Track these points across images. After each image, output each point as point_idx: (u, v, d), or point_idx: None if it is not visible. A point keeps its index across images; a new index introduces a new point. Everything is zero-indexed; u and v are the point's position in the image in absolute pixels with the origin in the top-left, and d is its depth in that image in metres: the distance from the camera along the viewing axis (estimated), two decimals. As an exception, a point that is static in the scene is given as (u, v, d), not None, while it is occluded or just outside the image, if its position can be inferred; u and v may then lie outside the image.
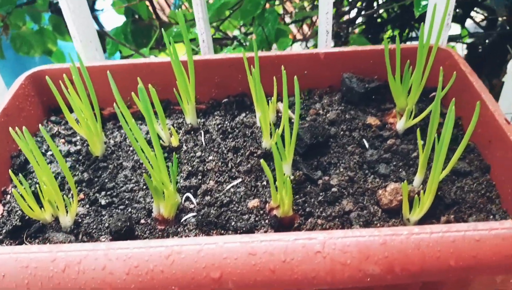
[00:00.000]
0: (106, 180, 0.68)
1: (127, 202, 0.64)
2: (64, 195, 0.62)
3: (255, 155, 0.70)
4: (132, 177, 0.68)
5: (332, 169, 0.67)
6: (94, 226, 0.61)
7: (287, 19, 1.78)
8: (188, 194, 0.64)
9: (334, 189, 0.63)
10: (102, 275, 0.46)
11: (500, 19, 1.45)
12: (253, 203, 0.62)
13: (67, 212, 0.61)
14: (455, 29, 1.67)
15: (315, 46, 1.66)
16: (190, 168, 0.68)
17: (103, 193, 0.66)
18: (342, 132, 0.73)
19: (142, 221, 0.61)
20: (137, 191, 0.66)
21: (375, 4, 1.56)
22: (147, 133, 0.77)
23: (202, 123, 0.78)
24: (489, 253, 0.46)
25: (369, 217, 0.59)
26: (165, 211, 0.60)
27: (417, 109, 0.75)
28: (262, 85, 0.68)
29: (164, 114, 0.74)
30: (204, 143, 0.74)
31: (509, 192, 0.61)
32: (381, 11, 1.59)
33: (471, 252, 0.46)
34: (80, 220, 0.62)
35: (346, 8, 1.59)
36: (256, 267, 0.45)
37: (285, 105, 0.63)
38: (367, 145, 0.71)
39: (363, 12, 1.56)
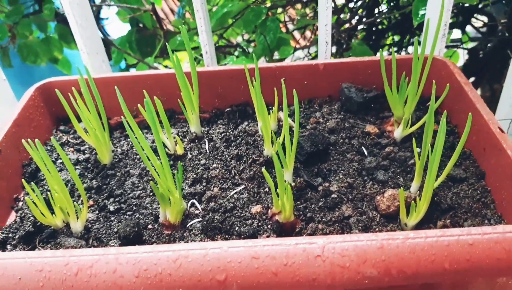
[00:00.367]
0: (114, 187, 0.70)
1: (134, 208, 0.67)
2: (74, 202, 0.65)
3: (257, 162, 0.73)
4: (139, 184, 0.71)
5: (332, 175, 0.69)
6: (104, 231, 0.63)
7: (290, 26, 1.81)
8: (193, 200, 0.67)
9: (334, 195, 0.65)
10: (113, 278, 0.48)
11: (500, 27, 1.47)
12: (256, 209, 0.64)
13: (77, 218, 0.64)
14: (457, 33, 1.69)
15: (318, 53, 1.68)
16: (195, 175, 0.71)
17: (111, 199, 0.68)
18: (341, 140, 0.76)
19: (150, 226, 0.64)
20: (144, 198, 0.68)
21: (376, 10, 1.58)
22: (153, 141, 0.79)
23: (206, 132, 0.81)
24: (482, 256, 0.48)
25: (367, 222, 0.61)
26: (171, 217, 0.63)
27: (414, 117, 0.77)
28: (264, 94, 0.70)
29: (169, 123, 0.77)
30: (208, 151, 0.76)
31: (504, 198, 0.63)
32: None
33: (465, 255, 0.48)
34: (90, 226, 0.64)
35: (347, 16, 1.62)
36: (259, 270, 0.48)
37: (285, 114, 0.66)
38: (366, 152, 0.73)
39: (364, 20, 1.59)
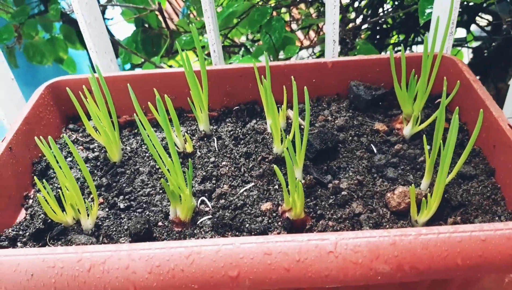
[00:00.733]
0: (124, 185, 0.70)
1: (144, 205, 0.67)
2: (85, 199, 0.65)
3: (266, 160, 0.73)
4: (149, 182, 0.71)
5: (342, 173, 0.69)
6: (114, 229, 0.64)
7: (294, 26, 1.81)
8: (203, 197, 0.67)
9: (344, 193, 0.65)
10: (125, 274, 0.49)
11: (505, 26, 1.47)
12: (266, 206, 0.65)
13: (88, 215, 0.64)
14: (461, 32, 1.69)
15: (322, 52, 1.68)
16: (204, 173, 0.71)
17: (121, 197, 0.69)
18: (350, 138, 0.76)
19: (160, 223, 0.64)
20: (154, 195, 0.68)
21: (380, 10, 1.58)
22: (162, 139, 0.80)
23: (214, 130, 0.81)
24: (494, 253, 0.48)
25: (378, 219, 0.61)
26: (181, 214, 0.63)
27: (423, 115, 0.77)
28: (272, 92, 0.70)
29: (178, 122, 0.77)
30: (217, 149, 0.76)
31: (514, 195, 0.63)
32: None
33: (477, 251, 0.48)
34: (100, 223, 0.65)
35: (352, 15, 1.62)
36: (271, 266, 0.48)
37: (295, 112, 0.66)
38: (375, 150, 0.73)
39: (368, 19, 1.59)
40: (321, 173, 0.69)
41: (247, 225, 0.62)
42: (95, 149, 0.79)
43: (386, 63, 0.77)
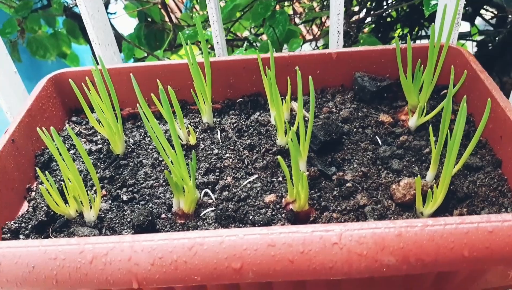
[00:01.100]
0: (127, 177, 0.70)
1: (147, 197, 0.66)
2: (88, 191, 0.65)
3: (270, 152, 0.72)
4: (152, 174, 0.70)
5: (346, 165, 0.69)
6: (117, 221, 0.63)
7: (297, 20, 1.80)
8: (206, 189, 0.66)
9: (348, 184, 0.64)
10: (128, 266, 0.48)
11: (510, 16, 1.45)
12: (269, 198, 0.64)
13: (91, 207, 0.63)
14: (465, 26, 1.68)
15: (325, 46, 1.67)
16: (207, 165, 0.70)
17: (124, 189, 0.68)
18: (355, 129, 0.75)
19: (163, 215, 0.63)
20: (157, 187, 0.68)
21: (384, 3, 1.57)
22: (165, 132, 0.79)
23: (218, 122, 0.81)
24: (502, 244, 0.47)
25: (383, 211, 0.61)
26: (185, 206, 0.63)
27: (429, 106, 0.76)
28: (276, 84, 0.70)
29: (182, 114, 0.77)
30: (220, 141, 0.76)
31: (521, 186, 0.62)
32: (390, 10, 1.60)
33: (484, 243, 0.47)
34: (103, 215, 0.64)
35: (356, 8, 1.61)
36: (275, 258, 0.47)
37: (299, 103, 0.65)
38: (380, 141, 0.72)
39: (372, 12, 1.58)
40: (326, 165, 0.69)
41: (250, 217, 0.61)
42: (98, 142, 0.78)
43: (391, 54, 0.76)
